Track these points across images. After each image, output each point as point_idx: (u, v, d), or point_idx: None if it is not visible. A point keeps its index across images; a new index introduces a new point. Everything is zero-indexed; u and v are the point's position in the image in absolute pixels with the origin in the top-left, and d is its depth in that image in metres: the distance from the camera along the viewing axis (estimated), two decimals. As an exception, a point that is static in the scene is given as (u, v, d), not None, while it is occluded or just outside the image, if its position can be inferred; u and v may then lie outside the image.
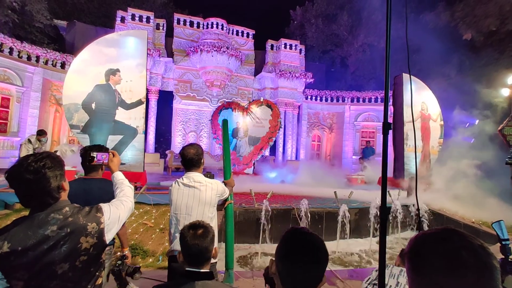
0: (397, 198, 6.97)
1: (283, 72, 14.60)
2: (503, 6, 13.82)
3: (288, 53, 15.27)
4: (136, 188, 6.30)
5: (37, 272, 1.26)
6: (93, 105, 6.72)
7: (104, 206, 1.47)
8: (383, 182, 1.79)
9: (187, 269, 1.48)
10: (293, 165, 13.30)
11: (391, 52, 1.67)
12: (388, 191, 6.79)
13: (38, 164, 1.29)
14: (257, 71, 15.43)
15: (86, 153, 2.65)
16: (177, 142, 14.10)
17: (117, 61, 6.97)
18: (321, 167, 12.02)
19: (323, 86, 17.51)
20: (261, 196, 6.10)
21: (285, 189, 7.68)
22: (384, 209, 1.71)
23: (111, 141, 6.79)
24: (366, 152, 13.80)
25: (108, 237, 1.41)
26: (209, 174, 7.61)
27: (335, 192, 6.34)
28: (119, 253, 2.48)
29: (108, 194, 2.45)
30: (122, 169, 7.90)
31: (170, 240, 2.33)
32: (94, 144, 2.90)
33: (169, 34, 14.07)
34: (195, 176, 2.33)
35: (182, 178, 2.35)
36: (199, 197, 2.27)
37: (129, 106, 7.00)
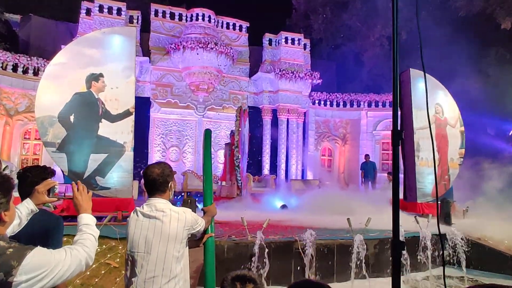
0: (426, 226, 6.81)
1: (284, 72, 14.66)
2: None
3: (290, 49, 15.40)
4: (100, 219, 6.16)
5: None
6: (72, 118, 6.66)
7: (34, 252, 1.31)
8: (395, 205, 1.68)
9: None
10: (298, 185, 13.19)
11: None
12: (415, 217, 6.70)
13: None
14: (252, 71, 15.54)
15: (24, 175, 2.58)
16: (156, 158, 13.98)
17: (100, 64, 6.96)
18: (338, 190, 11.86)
19: (334, 88, 17.62)
20: (255, 226, 5.98)
21: (286, 217, 7.57)
22: (397, 243, 1.61)
23: (94, 161, 6.70)
24: (366, 169, 13.78)
25: None
26: (190, 199, 7.46)
27: (348, 219, 6.20)
28: None
29: (50, 226, 2.40)
30: (107, 194, 7.62)
31: (125, 285, 2.23)
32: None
33: (145, 28, 14.22)
34: (158, 204, 2.25)
35: (142, 207, 2.28)
36: (161, 230, 2.17)
37: (114, 118, 6.95)
